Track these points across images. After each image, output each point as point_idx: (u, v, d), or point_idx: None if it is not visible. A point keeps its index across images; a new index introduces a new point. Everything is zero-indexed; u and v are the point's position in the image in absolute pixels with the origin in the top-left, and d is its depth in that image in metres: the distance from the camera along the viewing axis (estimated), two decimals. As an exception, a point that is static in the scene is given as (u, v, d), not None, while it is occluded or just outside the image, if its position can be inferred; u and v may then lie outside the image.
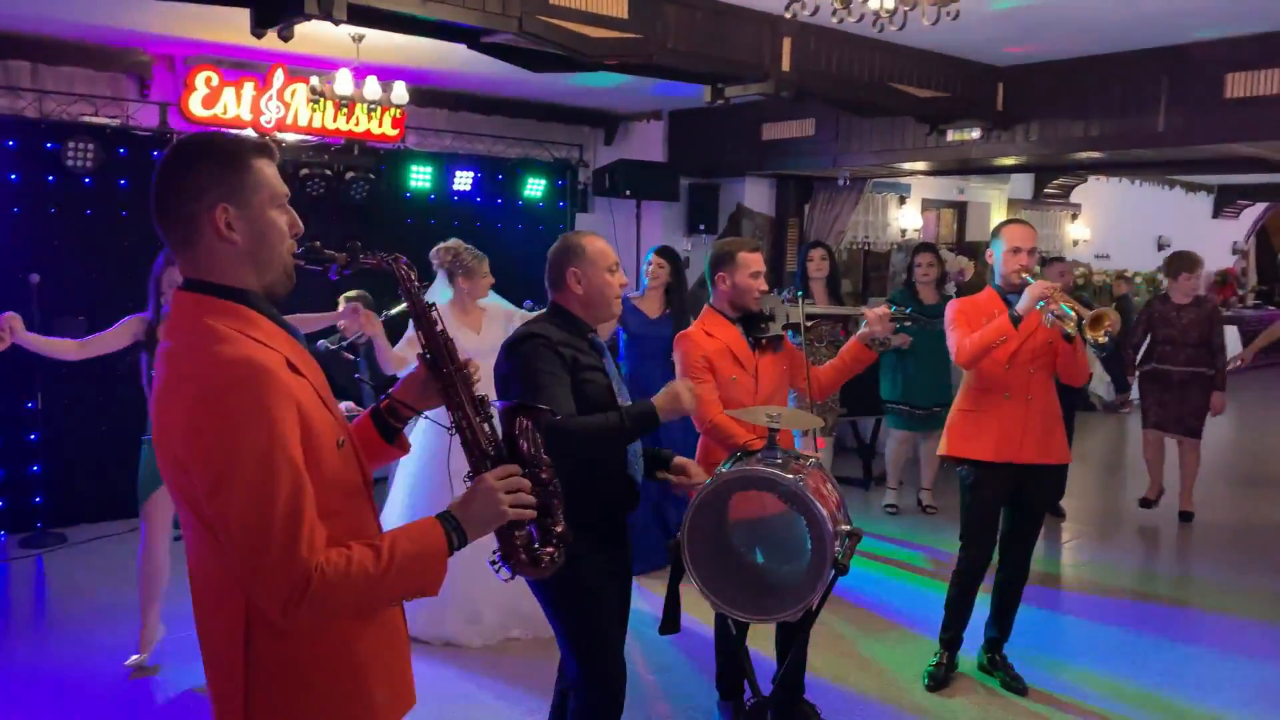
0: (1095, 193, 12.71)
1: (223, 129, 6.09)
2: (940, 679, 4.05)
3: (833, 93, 5.61)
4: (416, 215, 7.22)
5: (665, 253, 5.50)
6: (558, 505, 1.90)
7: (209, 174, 1.61)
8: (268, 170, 1.67)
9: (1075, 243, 12.59)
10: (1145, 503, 6.60)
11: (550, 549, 1.89)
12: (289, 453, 1.54)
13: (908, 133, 6.95)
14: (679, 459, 2.90)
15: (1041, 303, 3.55)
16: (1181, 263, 6.29)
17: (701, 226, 8.62)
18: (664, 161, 8.47)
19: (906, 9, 3.10)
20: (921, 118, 6.48)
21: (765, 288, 3.48)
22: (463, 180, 7.26)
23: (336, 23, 3.69)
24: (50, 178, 5.71)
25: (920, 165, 7.73)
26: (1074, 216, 12.72)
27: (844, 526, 2.71)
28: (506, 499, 1.75)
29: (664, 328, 5.21)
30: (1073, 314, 3.50)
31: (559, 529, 1.90)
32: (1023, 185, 11.94)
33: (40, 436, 5.79)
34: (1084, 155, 6.55)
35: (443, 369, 1.87)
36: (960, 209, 11.54)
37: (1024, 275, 3.68)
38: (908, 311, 3.66)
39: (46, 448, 5.80)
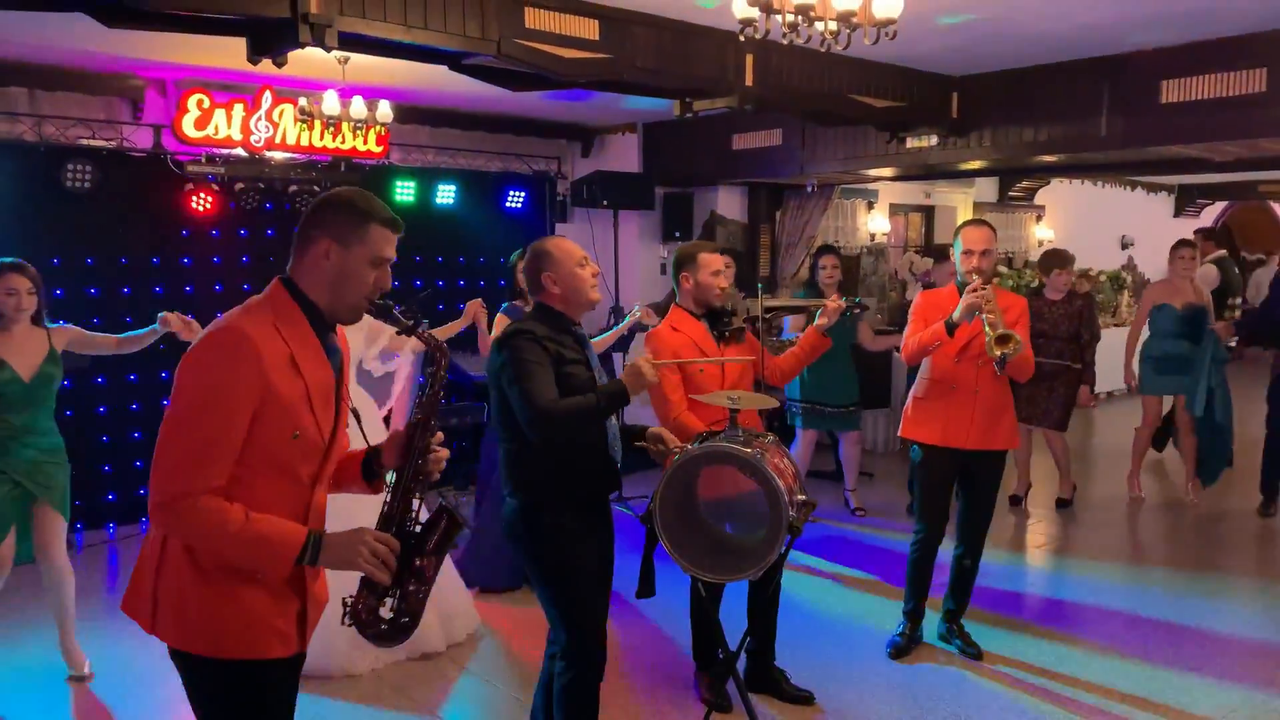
0: (1058, 195, 13.12)
1: (214, 149, 6.37)
2: (903, 648, 4.35)
3: (794, 104, 5.94)
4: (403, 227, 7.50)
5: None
6: (419, 595, 2.20)
7: (338, 218, 2.12)
8: (382, 237, 2.14)
9: (1040, 243, 12.98)
10: (1015, 500, 6.86)
11: (383, 626, 2.19)
12: (228, 407, 1.96)
13: (870, 141, 7.28)
14: (652, 429, 3.20)
15: (976, 311, 3.87)
16: (1054, 260, 6.69)
17: (677, 234, 8.94)
18: (639, 172, 8.78)
19: (849, 31, 3.42)
20: (881, 126, 6.82)
21: (725, 285, 3.80)
22: (445, 194, 7.55)
23: (328, 49, 3.98)
24: (49, 199, 5.96)
25: (885, 171, 8.06)
26: (1039, 218, 13.12)
27: (800, 496, 3.02)
28: (366, 555, 2.06)
29: None
30: (992, 328, 3.81)
31: (409, 612, 2.20)
32: (988, 189, 12.34)
33: (109, 439, 6.35)
34: (1040, 159, 6.85)
35: (413, 445, 2.22)
36: (928, 213, 11.91)
37: (972, 276, 3.98)
38: (857, 302, 3.98)
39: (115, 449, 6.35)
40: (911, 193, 11.25)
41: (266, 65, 4.38)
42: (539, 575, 3.04)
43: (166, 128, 6.37)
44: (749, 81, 5.44)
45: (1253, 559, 5.94)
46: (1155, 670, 4.24)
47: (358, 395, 4.45)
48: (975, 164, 7.25)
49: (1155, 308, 6.76)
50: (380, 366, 4.83)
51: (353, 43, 4.20)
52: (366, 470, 2.31)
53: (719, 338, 3.82)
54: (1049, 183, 12.57)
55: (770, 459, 2.94)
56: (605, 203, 8.23)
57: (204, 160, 6.41)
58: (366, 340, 4.58)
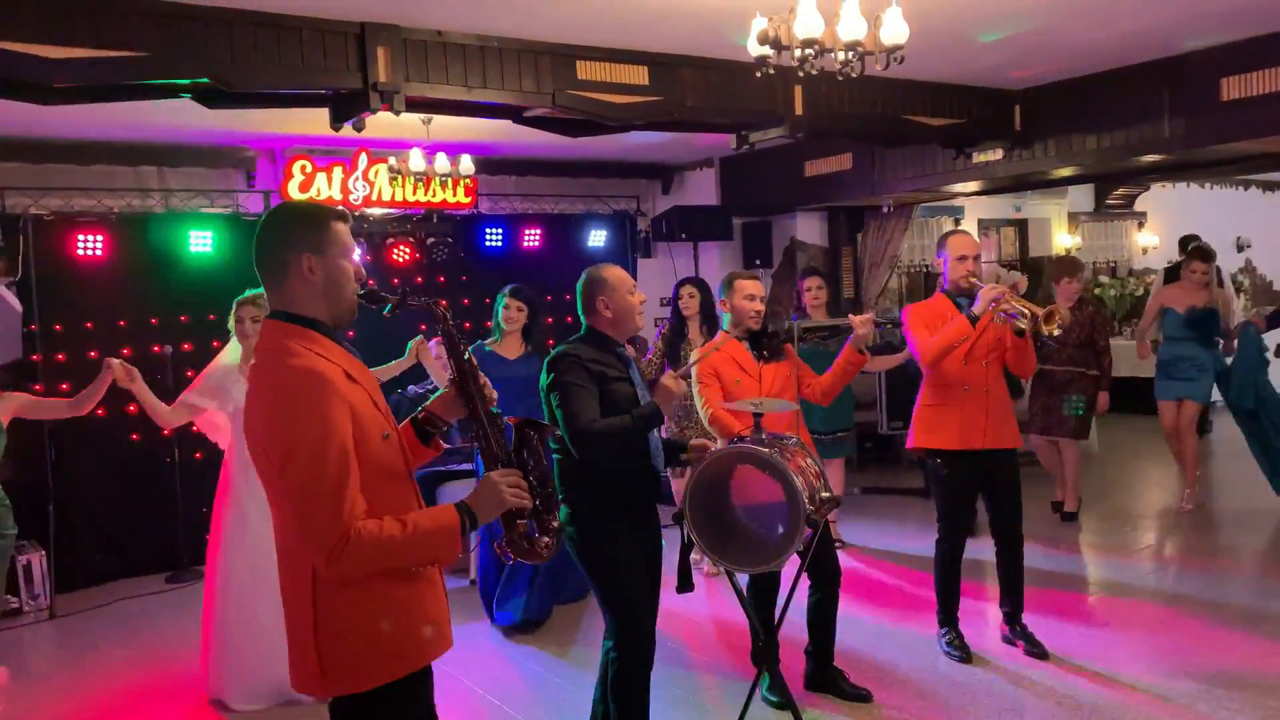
0: (1161, 200, 12.78)
1: (318, 209, 6.98)
2: (964, 653, 4.42)
3: (847, 129, 6.16)
4: (491, 272, 7.98)
5: (519, 294, 5.46)
6: (548, 504, 2.35)
7: (304, 229, 2.15)
8: (342, 229, 2.19)
9: (1145, 250, 12.67)
10: (1057, 506, 6.76)
11: (547, 539, 2.35)
12: (339, 441, 2.00)
13: (936, 158, 7.41)
14: (694, 440, 3.51)
15: (992, 304, 4.04)
16: (1063, 268, 6.66)
17: (757, 261, 9.19)
18: (717, 204, 9.09)
19: (858, 59, 3.65)
20: (944, 143, 6.95)
21: (759, 309, 4.06)
22: (531, 237, 8.01)
23: (397, 113, 4.45)
24: (179, 261, 6.64)
25: (964, 187, 8.12)
26: (1140, 225, 12.81)
27: (823, 494, 3.24)
28: (507, 492, 2.19)
29: (525, 366, 5.22)
30: (1026, 313, 3.96)
31: (554, 523, 2.36)
32: (1082, 198, 12.14)
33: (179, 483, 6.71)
34: (1137, 160, 6.66)
35: (468, 390, 2.38)
36: (1020, 226, 11.81)
37: (971, 280, 4.18)
38: (889, 317, 4.16)
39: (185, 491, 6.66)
40: (1000, 207, 11.20)
41: (366, 127, 4.85)
42: (591, 575, 3.33)
43: (275, 192, 7.03)
44: (798, 110, 5.69)
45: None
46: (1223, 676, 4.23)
47: None
48: (1062, 172, 7.23)
49: (1161, 311, 6.88)
50: None
51: (421, 105, 4.67)
52: (424, 439, 2.41)
53: (758, 357, 4.07)
54: (1149, 188, 12.28)
55: (791, 459, 3.17)
56: (684, 236, 8.57)
57: (309, 220, 7.02)
58: None
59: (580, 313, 3.46)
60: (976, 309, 4.10)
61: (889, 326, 4.42)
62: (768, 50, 3.64)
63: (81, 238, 6.22)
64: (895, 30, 3.64)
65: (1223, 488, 7.60)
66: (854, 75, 3.75)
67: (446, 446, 2.56)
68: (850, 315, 4.13)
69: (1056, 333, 4.00)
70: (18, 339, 6.29)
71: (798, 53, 3.60)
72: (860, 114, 6.02)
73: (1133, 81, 6.22)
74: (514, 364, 5.26)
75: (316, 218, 2.19)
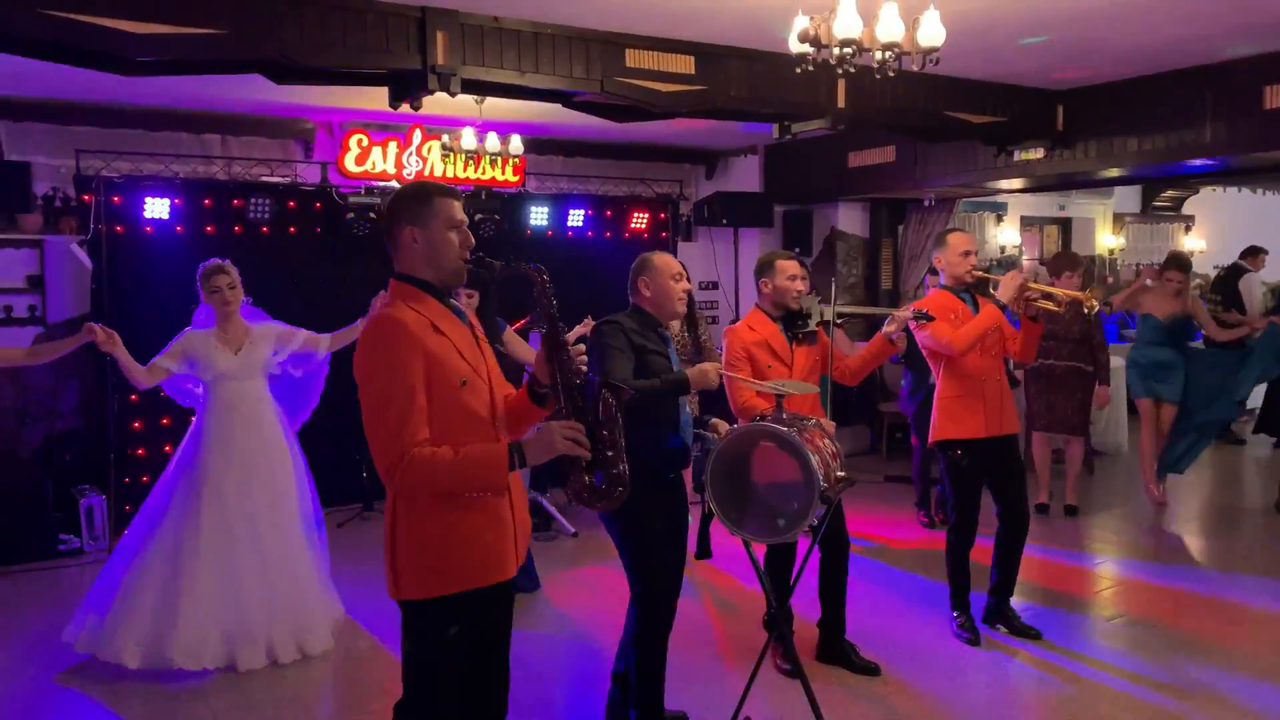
0: (1210, 203, 12.70)
1: (372, 181, 7.25)
2: (975, 636, 4.60)
3: (889, 123, 6.28)
4: (535, 250, 8.19)
5: (470, 280, 5.23)
6: (615, 457, 2.53)
7: (408, 205, 2.52)
8: (446, 204, 2.51)
9: (1191, 254, 12.59)
10: (1041, 507, 6.84)
11: (616, 488, 2.53)
12: (404, 378, 2.36)
13: (978, 155, 7.49)
14: (715, 420, 3.72)
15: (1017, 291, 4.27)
16: (1062, 263, 6.67)
17: (797, 249, 9.32)
18: (759, 191, 9.23)
19: (894, 59, 3.79)
20: (987, 140, 7.04)
21: (801, 289, 4.21)
22: (575, 217, 8.22)
23: (453, 94, 4.66)
24: (235, 228, 6.92)
25: (1010, 184, 8.17)
26: (1187, 228, 12.74)
27: (839, 473, 3.42)
28: (561, 439, 2.44)
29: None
30: (1056, 295, 4.19)
31: (616, 473, 2.53)
32: (1129, 199, 12.11)
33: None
34: (1191, 160, 6.60)
35: (555, 359, 2.55)
36: (1064, 225, 11.82)
37: (975, 273, 4.44)
38: (924, 313, 4.30)
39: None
40: (1044, 205, 11.23)
41: (424, 105, 5.07)
42: (618, 535, 3.54)
43: (332, 164, 7.29)
44: (841, 103, 5.83)
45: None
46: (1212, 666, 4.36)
47: (280, 398, 4.77)
48: (1106, 173, 7.27)
49: (1140, 317, 7.05)
50: (294, 370, 4.89)
51: (476, 87, 4.88)
52: (534, 398, 2.64)
53: (791, 339, 4.24)
54: (1198, 192, 12.21)
55: (809, 438, 3.36)
56: (725, 221, 8.73)
57: (363, 192, 7.28)
58: (277, 345, 4.73)
59: (628, 291, 3.66)
60: (1006, 298, 4.28)
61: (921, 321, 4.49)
62: (808, 48, 3.80)
63: (148, 200, 6.52)
64: (932, 32, 3.79)
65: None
66: (892, 75, 3.90)
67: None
68: (893, 308, 4.31)
69: (1098, 308, 4.28)
70: (86, 295, 6.65)
71: (836, 51, 3.75)
72: (902, 108, 6.14)
73: (1175, 86, 6.28)
74: None
75: (424, 193, 2.53)
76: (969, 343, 4.36)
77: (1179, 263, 7.06)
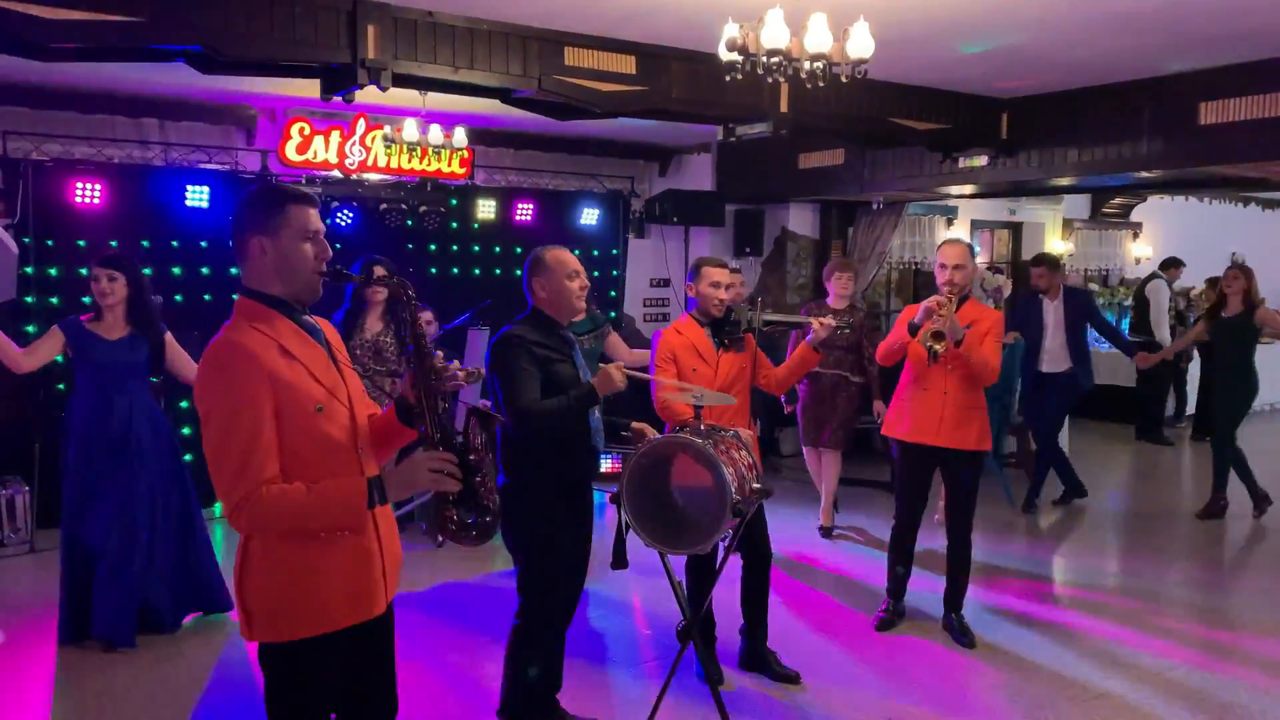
0: (1159, 211, 12.87)
1: (314, 171, 7.13)
2: (885, 621, 4.80)
3: (832, 128, 6.29)
4: (482, 242, 8.14)
5: (113, 262, 4.60)
6: (486, 489, 2.38)
7: (251, 215, 2.29)
8: (300, 212, 2.27)
9: (1138, 260, 12.78)
10: (826, 531, 6.48)
11: (485, 518, 2.37)
12: (250, 411, 2.16)
13: (924, 161, 7.53)
14: (635, 424, 3.63)
15: (932, 315, 4.36)
16: (829, 269, 6.35)
17: (748, 249, 9.33)
18: (710, 190, 9.22)
19: (819, 69, 3.78)
20: (931, 147, 7.08)
21: (724, 296, 4.20)
22: (523, 211, 8.14)
23: (384, 89, 4.59)
24: (173, 215, 6.79)
25: (961, 190, 8.22)
26: (1135, 235, 12.91)
27: (754, 485, 3.42)
28: (428, 473, 2.25)
29: (129, 351, 4.57)
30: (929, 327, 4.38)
31: (486, 505, 2.37)
32: (1079, 205, 12.24)
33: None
34: (1137, 174, 6.67)
35: (422, 375, 2.36)
36: (1015, 229, 11.92)
37: (943, 287, 4.49)
38: (847, 321, 4.32)
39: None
40: (995, 209, 11.29)
41: (364, 94, 4.98)
42: (515, 544, 3.47)
43: (273, 152, 7.17)
44: (784, 108, 5.82)
45: None
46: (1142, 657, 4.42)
47: None
48: (1052, 181, 7.32)
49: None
50: None
51: (408, 82, 4.81)
52: (405, 419, 2.43)
53: (718, 345, 4.22)
54: (1145, 199, 12.37)
55: (724, 450, 3.35)
56: (676, 219, 8.71)
57: (304, 181, 7.16)
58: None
59: (525, 292, 3.52)
60: (917, 318, 4.41)
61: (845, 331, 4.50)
62: (737, 56, 3.77)
63: (80, 185, 6.36)
64: (861, 44, 3.78)
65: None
66: (822, 85, 3.89)
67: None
68: (813, 318, 4.23)
69: (927, 346, 4.33)
70: (13, 280, 6.46)
71: (764, 60, 3.74)
72: (846, 114, 6.15)
73: (1116, 99, 6.34)
74: (115, 345, 4.59)
75: (271, 201, 2.30)
76: (881, 352, 4.68)
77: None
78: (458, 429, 2.43)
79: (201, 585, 4.80)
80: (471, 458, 2.36)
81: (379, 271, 5.33)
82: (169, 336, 4.69)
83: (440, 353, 2.45)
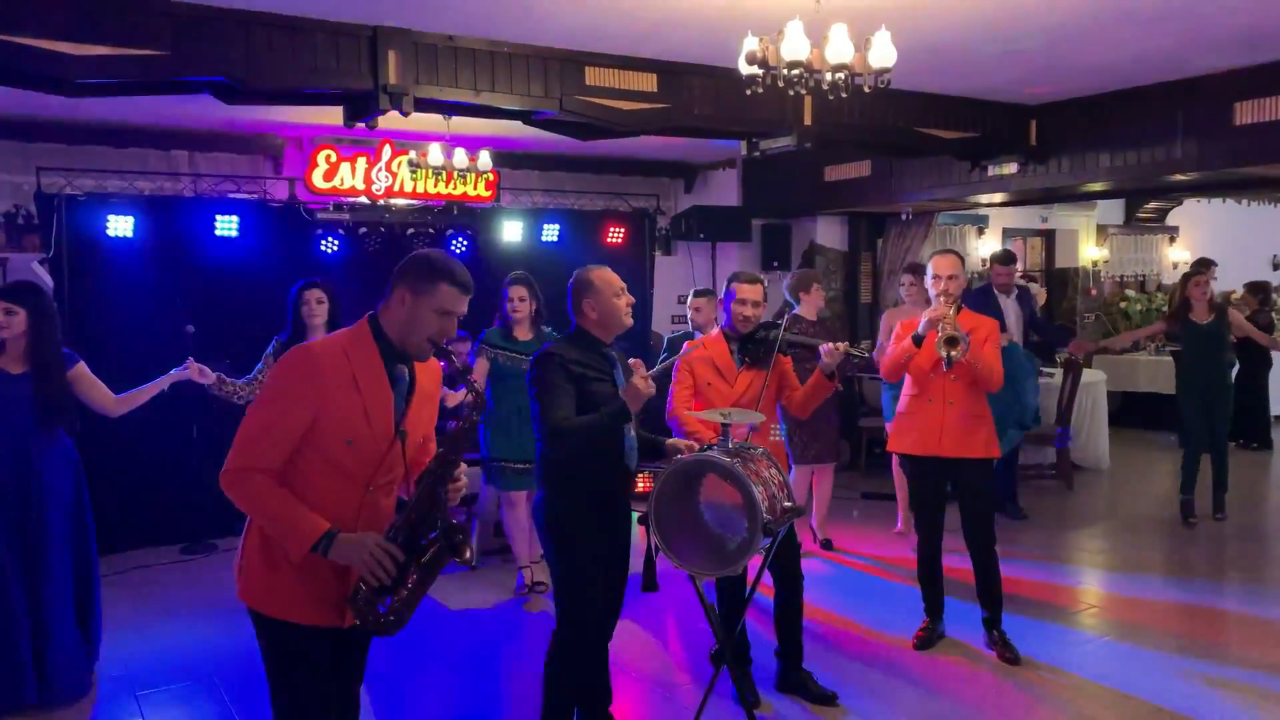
0: (1195, 215, 12.64)
1: (341, 197, 7.18)
2: (925, 640, 4.68)
3: (858, 140, 6.23)
4: (510, 264, 8.13)
5: (11, 294, 4.11)
6: (409, 598, 2.44)
7: (416, 273, 2.51)
8: (447, 292, 2.50)
9: (1175, 265, 12.55)
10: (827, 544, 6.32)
11: (389, 618, 2.43)
12: (287, 405, 2.42)
13: (953, 169, 7.44)
14: (670, 441, 3.61)
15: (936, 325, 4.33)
16: (802, 281, 6.23)
17: (775, 263, 9.27)
18: (738, 205, 9.17)
19: (844, 80, 3.73)
20: (959, 155, 6.99)
21: (749, 313, 4.14)
22: (550, 232, 8.14)
23: (406, 114, 4.61)
24: (203, 245, 6.85)
25: (992, 198, 8.10)
26: (1172, 239, 12.69)
27: (786, 503, 3.35)
28: (368, 560, 2.38)
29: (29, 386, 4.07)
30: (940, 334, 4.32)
31: (399, 607, 2.43)
32: (1113, 210, 12.05)
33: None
34: (1166, 178, 6.63)
35: (436, 483, 2.50)
36: (1048, 237, 11.76)
37: (939, 298, 4.42)
38: (863, 349, 4.24)
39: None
40: (1026, 217, 11.16)
41: (388, 120, 5.00)
42: (551, 558, 3.47)
43: (300, 180, 7.23)
44: (807, 121, 5.77)
45: None
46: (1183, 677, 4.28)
47: None
48: (1082, 187, 7.21)
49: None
50: None
51: (430, 106, 4.82)
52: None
53: (740, 362, 4.16)
54: (1181, 203, 12.16)
55: (754, 468, 3.29)
56: (702, 235, 8.68)
57: (332, 208, 7.21)
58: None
59: (569, 311, 3.57)
60: (920, 329, 4.37)
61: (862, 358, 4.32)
62: (757, 70, 3.74)
63: (112, 218, 6.44)
64: (883, 54, 3.73)
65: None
66: (845, 95, 3.84)
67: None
68: (822, 344, 4.12)
69: (944, 354, 4.27)
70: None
71: (785, 73, 3.69)
72: (871, 125, 6.09)
73: (1147, 102, 6.24)
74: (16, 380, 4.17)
75: (436, 273, 2.51)
76: (885, 369, 4.63)
77: (913, 268, 6.46)
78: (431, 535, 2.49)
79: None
80: (413, 567, 2.46)
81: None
82: (81, 368, 4.25)
83: (464, 479, 2.60)
